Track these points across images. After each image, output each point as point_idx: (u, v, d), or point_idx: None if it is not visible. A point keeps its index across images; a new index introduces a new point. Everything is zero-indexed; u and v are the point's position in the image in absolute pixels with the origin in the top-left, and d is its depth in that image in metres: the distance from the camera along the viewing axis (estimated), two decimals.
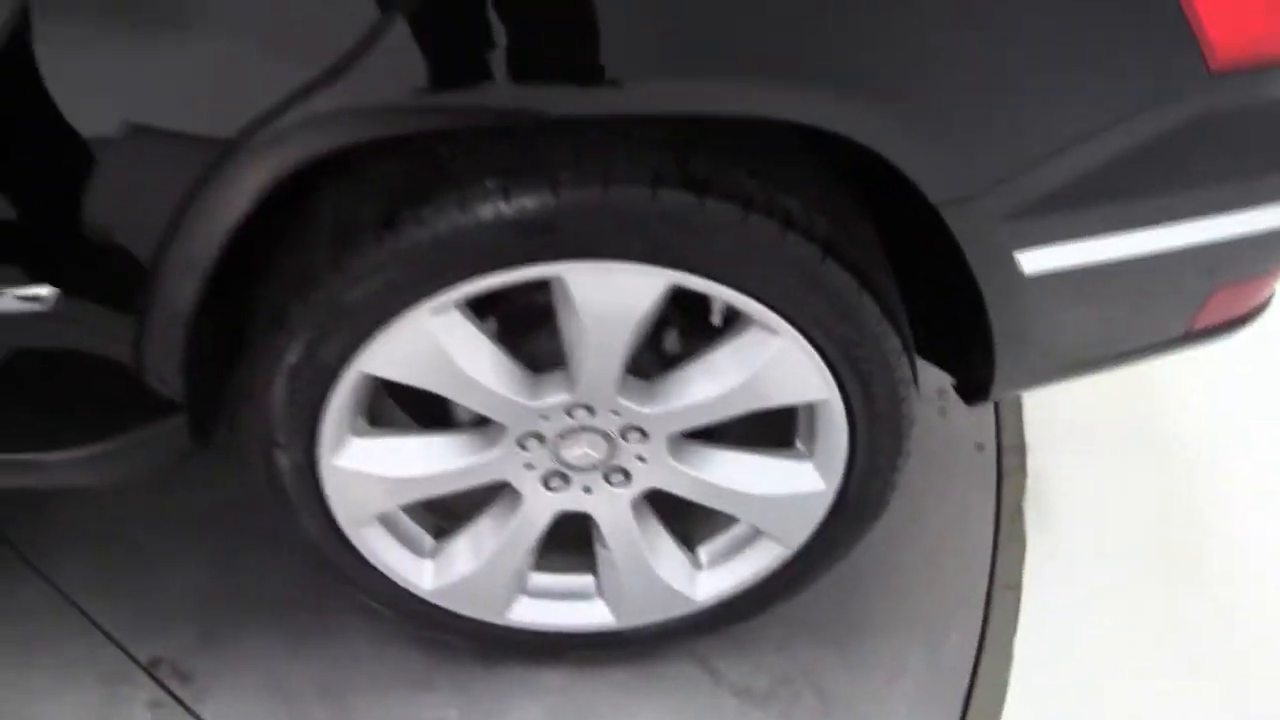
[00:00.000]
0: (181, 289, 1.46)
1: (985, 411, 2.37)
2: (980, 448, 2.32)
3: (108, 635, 1.98)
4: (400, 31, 1.25)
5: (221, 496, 2.13)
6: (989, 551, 2.17)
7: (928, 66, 1.32)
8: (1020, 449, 2.33)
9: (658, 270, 1.44)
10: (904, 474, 1.72)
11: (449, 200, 1.39)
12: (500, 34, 1.26)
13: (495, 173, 1.38)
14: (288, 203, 1.43)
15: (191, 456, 1.66)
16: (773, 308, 1.49)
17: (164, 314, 1.48)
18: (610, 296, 1.47)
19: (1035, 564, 2.15)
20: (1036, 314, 1.59)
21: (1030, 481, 2.27)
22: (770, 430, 1.72)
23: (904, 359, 1.58)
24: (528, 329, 1.60)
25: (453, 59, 1.29)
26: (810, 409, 1.66)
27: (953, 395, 1.81)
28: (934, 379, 1.90)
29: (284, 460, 1.61)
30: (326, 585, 1.83)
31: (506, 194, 1.37)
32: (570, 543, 1.82)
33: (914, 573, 2.13)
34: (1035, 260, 1.50)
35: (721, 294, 1.48)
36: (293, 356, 1.50)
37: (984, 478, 2.28)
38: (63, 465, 1.63)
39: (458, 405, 1.66)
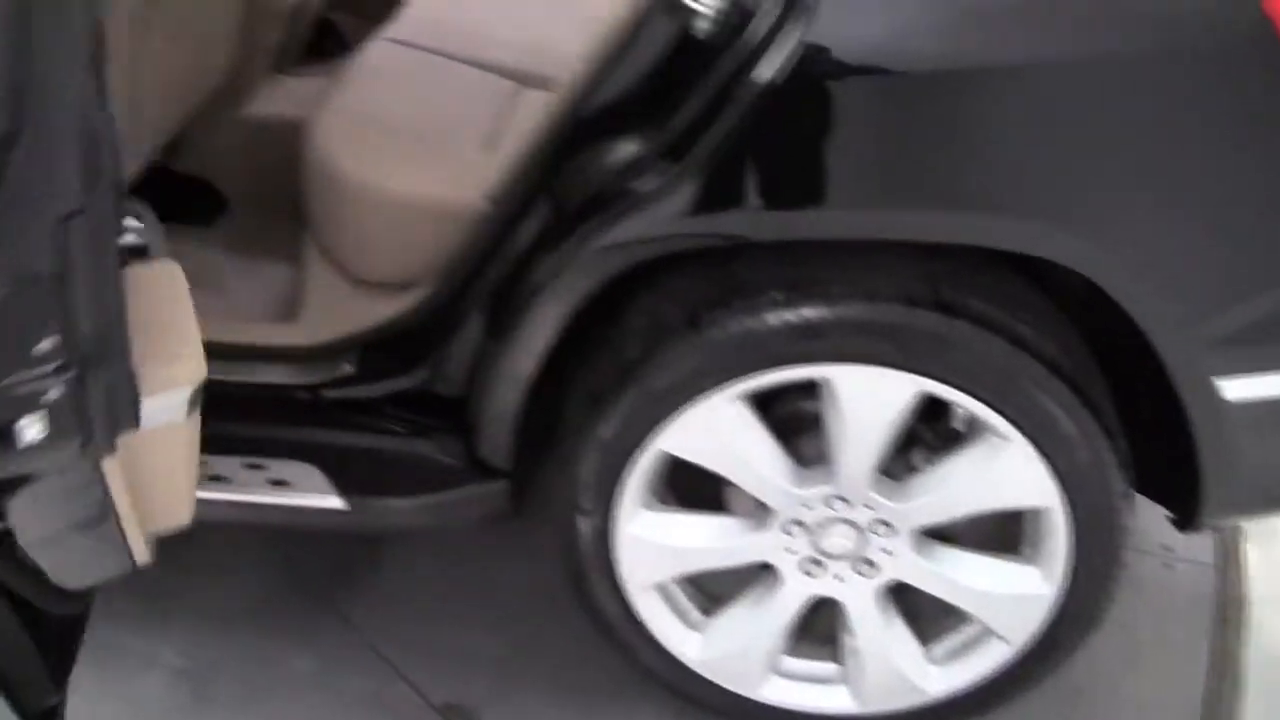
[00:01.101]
0: (523, 369, 1.90)
1: (1208, 562, 2.58)
2: (1201, 598, 2.54)
3: (402, 676, 2.35)
4: (693, 177, 1.68)
5: (513, 564, 2.52)
6: (1200, 700, 2.37)
7: (1148, 207, 1.68)
8: (1241, 602, 2.54)
9: (910, 377, 1.80)
10: (1124, 610, 1.97)
11: (742, 306, 1.79)
12: (787, 172, 1.69)
13: (780, 285, 1.78)
14: (601, 307, 1.87)
15: (505, 519, 2.08)
16: (1006, 417, 1.82)
17: (506, 391, 1.92)
18: (870, 397, 1.83)
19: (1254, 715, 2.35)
20: (1241, 441, 1.87)
21: (1251, 635, 2.48)
22: (1002, 533, 2.03)
23: (1120, 473, 1.88)
24: (797, 429, 1.97)
25: (738, 192, 1.72)
26: (1036, 515, 1.96)
27: (1177, 549, 2.07)
28: (1159, 533, 2.12)
29: (585, 526, 2.00)
30: (609, 651, 2.18)
31: (790, 303, 1.77)
32: (819, 632, 2.14)
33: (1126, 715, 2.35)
34: (1240, 388, 1.79)
35: (963, 402, 1.82)
36: (605, 433, 1.90)
37: (1205, 628, 2.49)
38: (402, 510, 2.06)
39: (731, 493, 2.03)
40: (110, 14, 1.94)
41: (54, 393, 1.38)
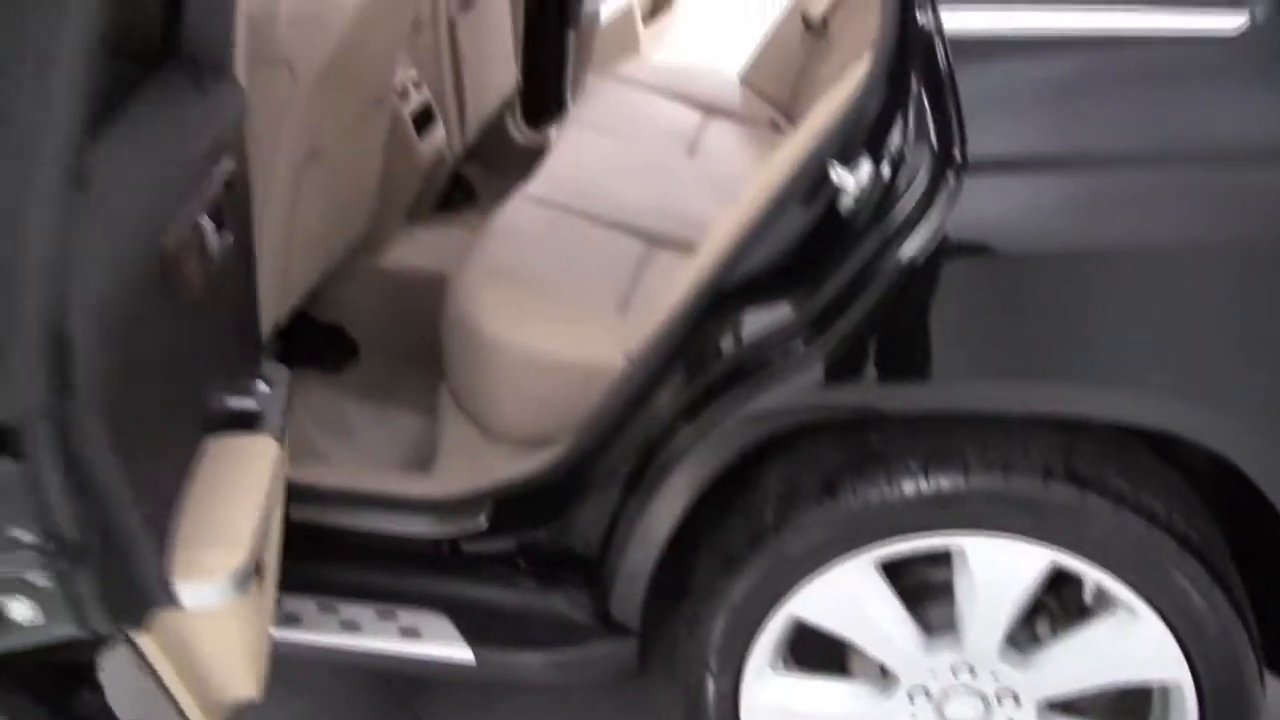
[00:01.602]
0: (658, 531, 1.97)
1: None
2: None
3: None
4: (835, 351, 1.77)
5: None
6: None
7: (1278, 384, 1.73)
8: None
9: (1043, 549, 1.84)
10: None
11: (878, 475, 1.84)
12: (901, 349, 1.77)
13: (916, 455, 1.84)
14: (736, 469, 1.93)
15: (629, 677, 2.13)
16: (1137, 591, 1.85)
17: (640, 551, 1.99)
18: (1002, 568, 1.87)
19: None
20: None
21: None
22: (1128, 705, 2.05)
23: (1251, 650, 1.90)
24: (926, 596, 2.01)
25: (879, 366, 1.79)
26: (1164, 689, 1.98)
27: None
28: None
29: (712, 686, 2.04)
30: None
31: (925, 473, 1.82)
32: None
33: None
34: None
35: (1093, 575, 1.86)
36: (737, 596, 1.95)
37: None
38: (530, 665, 2.13)
39: (855, 659, 2.07)
40: None
41: (36, 577, 1.47)
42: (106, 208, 1.38)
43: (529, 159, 3.67)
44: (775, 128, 3.52)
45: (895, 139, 1.73)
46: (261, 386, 1.88)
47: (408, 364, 2.84)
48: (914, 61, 1.70)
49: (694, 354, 1.98)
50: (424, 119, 3.05)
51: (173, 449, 1.68)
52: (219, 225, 1.66)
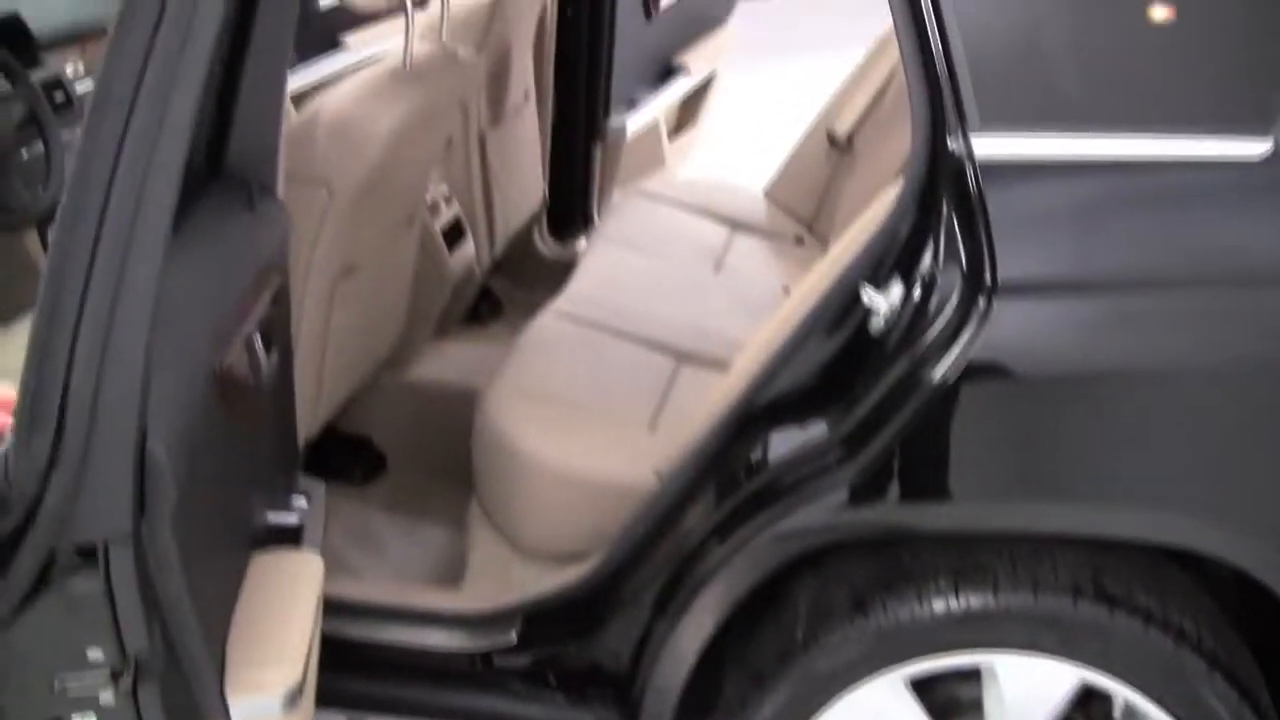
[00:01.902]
0: (688, 648, 1.99)
1: None
2: None
3: None
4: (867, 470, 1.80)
5: None
6: None
7: None
8: None
9: (1072, 666, 1.86)
10: None
11: (909, 593, 1.87)
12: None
13: (946, 572, 1.87)
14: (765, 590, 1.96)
15: None
16: (1166, 709, 1.86)
17: (670, 667, 2.01)
18: (1031, 685, 1.89)
19: None
20: None
21: None
22: None
23: None
24: (954, 713, 2.02)
25: (911, 486, 1.83)
26: None
27: None
28: None
29: None
30: None
31: (955, 591, 1.85)
32: None
33: None
34: None
35: (1123, 693, 1.88)
36: (766, 714, 1.96)
37: None
38: None
39: None
40: None
41: (106, 696, 1.51)
42: (176, 329, 1.43)
43: (555, 272, 3.74)
44: (800, 243, 3.58)
45: (926, 262, 1.77)
46: (300, 501, 1.92)
47: (436, 477, 2.88)
48: (944, 185, 1.75)
49: (725, 472, 2.02)
50: (454, 234, 3.12)
51: (227, 566, 1.71)
52: (268, 343, 1.71)
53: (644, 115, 4.13)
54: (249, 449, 1.75)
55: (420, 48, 2.48)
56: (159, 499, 1.38)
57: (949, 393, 1.73)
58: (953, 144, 1.73)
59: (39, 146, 3.35)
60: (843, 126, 3.53)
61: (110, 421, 1.33)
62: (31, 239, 3.44)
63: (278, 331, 1.79)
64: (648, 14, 4.07)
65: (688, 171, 4.64)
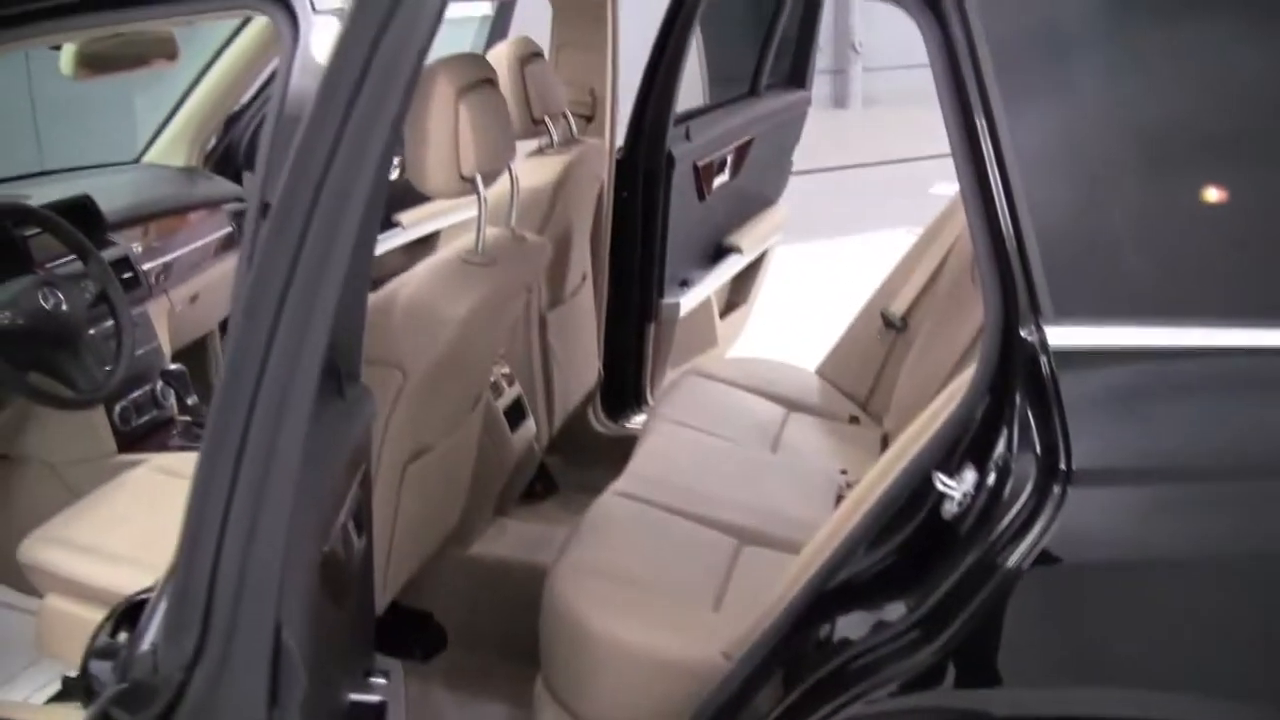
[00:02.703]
0: None
1: None
2: None
3: None
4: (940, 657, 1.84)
5: None
6: None
7: None
8: None
9: None
10: None
11: None
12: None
13: None
14: None
15: None
16: None
17: None
18: None
19: None
20: None
21: None
22: None
23: None
24: None
25: (984, 673, 1.86)
26: None
27: None
28: None
29: None
30: None
31: None
32: None
33: None
34: None
35: None
36: None
37: None
38: None
39: None
40: None
41: None
42: (296, 519, 1.49)
43: (609, 449, 3.81)
44: (854, 422, 3.64)
45: (1000, 449, 1.82)
46: (381, 680, 1.96)
47: (497, 654, 2.91)
48: (1018, 373, 1.81)
49: (795, 656, 2.05)
50: (516, 413, 3.20)
51: None
52: (359, 528, 1.77)
53: (696, 295, 4.23)
54: (339, 630, 1.80)
55: (489, 232, 2.57)
56: (291, 689, 1.43)
57: (1024, 579, 1.77)
58: (1026, 333, 1.79)
59: (107, 324, 3.47)
60: (898, 307, 3.62)
61: (251, 615, 1.39)
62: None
63: (365, 515, 1.85)
64: (700, 195, 4.20)
65: (739, 349, 4.73)
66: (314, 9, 2.25)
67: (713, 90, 4.66)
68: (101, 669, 1.55)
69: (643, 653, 2.32)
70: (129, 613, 1.62)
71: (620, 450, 3.60)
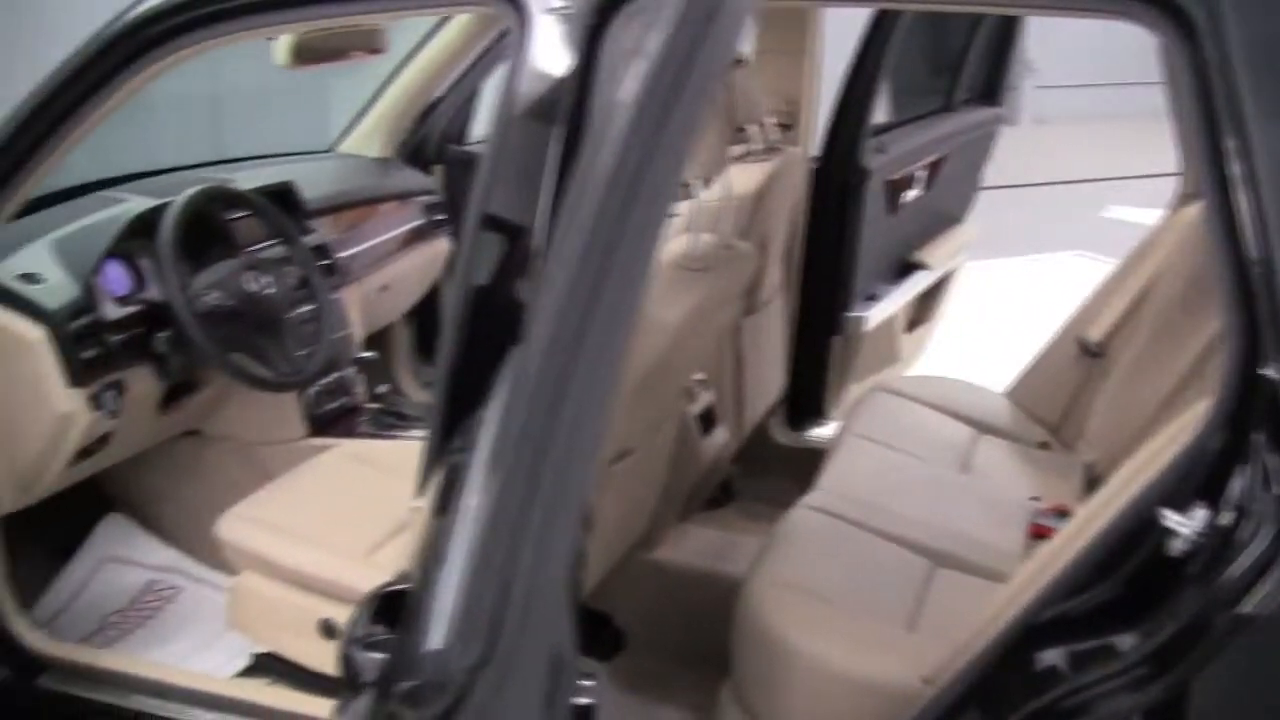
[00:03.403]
0: None
1: None
2: None
3: None
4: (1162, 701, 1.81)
5: None
6: None
7: None
8: None
9: None
10: None
11: None
12: None
13: None
14: None
15: None
16: None
17: None
18: None
19: None
20: None
21: None
22: None
23: None
24: None
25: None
26: None
27: None
28: None
29: None
30: None
31: None
32: None
33: None
34: None
35: None
36: None
37: None
38: None
39: None
40: None
41: None
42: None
43: (789, 460, 3.82)
44: (1045, 448, 3.60)
45: (1236, 488, 1.79)
46: (588, 681, 1.97)
47: (677, 659, 2.93)
48: (1258, 412, 1.77)
49: (1001, 687, 2.03)
50: (707, 420, 3.21)
51: None
52: (588, 525, 1.79)
53: (882, 310, 4.21)
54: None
55: (701, 239, 2.60)
56: (563, 695, 1.46)
57: (1262, 624, 1.73)
58: (1269, 371, 1.75)
59: (306, 309, 3.56)
60: (1096, 333, 3.57)
61: (538, 628, 1.41)
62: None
63: (591, 515, 1.87)
64: (891, 209, 4.18)
65: (920, 367, 4.70)
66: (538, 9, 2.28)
67: (897, 102, 4.63)
68: (365, 660, 1.59)
69: (842, 671, 2.32)
70: (384, 604, 1.66)
71: (799, 462, 3.61)
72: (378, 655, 1.58)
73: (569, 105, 2.13)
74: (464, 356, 2.13)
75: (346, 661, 1.60)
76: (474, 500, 1.48)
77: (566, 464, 1.37)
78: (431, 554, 1.56)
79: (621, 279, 1.38)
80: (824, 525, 2.82)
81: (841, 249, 3.96)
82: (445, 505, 1.99)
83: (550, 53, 2.30)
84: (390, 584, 1.69)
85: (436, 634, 1.39)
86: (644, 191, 1.37)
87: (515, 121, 2.15)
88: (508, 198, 2.14)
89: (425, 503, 2.18)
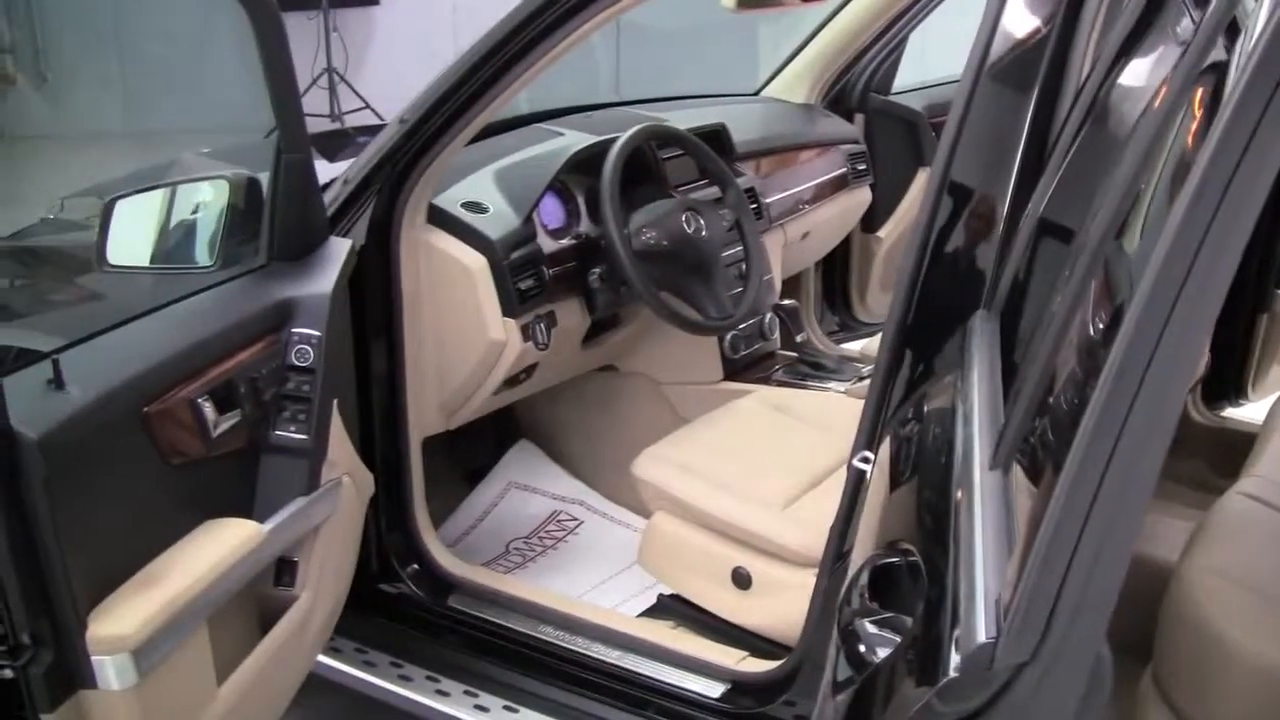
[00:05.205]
0: None
1: None
2: None
3: None
4: None
5: None
6: None
7: None
8: None
9: None
10: None
11: None
12: None
13: None
14: None
15: None
16: None
17: None
18: None
19: None
20: None
21: None
22: None
23: None
24: None
25: None
26: None
27: None
28: None
29: None
30: None
31: None
32: None
33: None
34: None
35: None
36: None
37: None
38: None
39: None
40: None
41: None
42: None
43: (1204, 439, 3.64)
44: None
45: None
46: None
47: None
48: None
49: None
50: None
51: None
52: None
53: None
54: None
55: None
56: (1098, 697, 1.41)
57: None
58: None
59: (734, 251, 3.59)
60: None
61: (1086, 628, 1.36)
62: None
63: None
64: None
65: None
66: None
67: None
68: (877, 638, 1.56)
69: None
70: (876, 579, 1.64)
71: (1214, 441, 3.45)
72: (888, 634, 1.55)
73: (1045, 70, 2.07)
74: (915, 319, 2.11)
75: (849, 636, 1.59)
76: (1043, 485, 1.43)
77: (1140, 453, 1.31)
78: (958, 539, 1.51)
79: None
80: (1264, 517, 2.67)
81: (1277, 219, 3.74)
82: (898, 477, 1.97)
83: (1025, 14, 2.23)
84: (882, 555, 1.68)
85: (979, 625, 1.33)
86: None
87: (984, 84, 2.09)
88: (972, 161, 2.09)
89: (867, 464, 2.17)
